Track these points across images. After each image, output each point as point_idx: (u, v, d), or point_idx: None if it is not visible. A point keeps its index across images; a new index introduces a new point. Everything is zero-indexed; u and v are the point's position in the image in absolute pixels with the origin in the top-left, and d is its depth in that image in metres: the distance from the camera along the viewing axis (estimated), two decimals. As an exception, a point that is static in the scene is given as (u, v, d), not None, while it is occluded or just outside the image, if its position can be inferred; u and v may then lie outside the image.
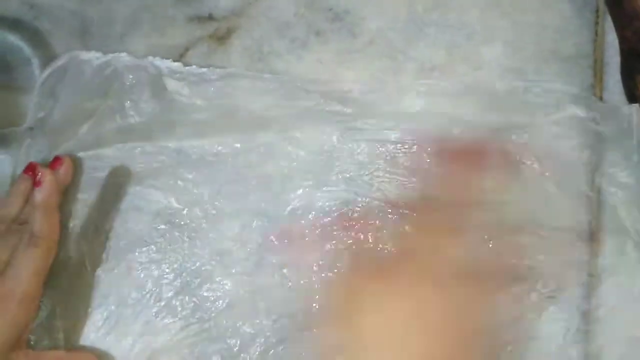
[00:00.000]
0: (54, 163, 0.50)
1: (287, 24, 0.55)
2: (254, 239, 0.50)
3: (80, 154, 0.53)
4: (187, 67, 0.54)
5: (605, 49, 0.53)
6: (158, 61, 0.54)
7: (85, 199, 0.52)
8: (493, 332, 0.47)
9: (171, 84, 0.54)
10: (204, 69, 0.54)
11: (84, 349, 0.49)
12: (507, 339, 0.47)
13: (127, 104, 0.53)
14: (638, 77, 0.48)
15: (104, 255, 0.51)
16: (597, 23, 0.53)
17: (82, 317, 0.50)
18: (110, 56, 0.54)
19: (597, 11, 0.53)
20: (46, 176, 0.46)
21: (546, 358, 0.46)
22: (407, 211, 0.49)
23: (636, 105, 0.50)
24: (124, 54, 0.54)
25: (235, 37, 0.55)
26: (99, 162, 0.52)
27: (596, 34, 0.53)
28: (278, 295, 0.49)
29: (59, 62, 0.54)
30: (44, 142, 0.53)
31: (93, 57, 0.54)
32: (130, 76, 0.53)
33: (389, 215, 0.50)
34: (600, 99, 0.52)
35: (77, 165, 0.52)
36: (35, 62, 0.55)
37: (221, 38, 0.56)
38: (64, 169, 0.50)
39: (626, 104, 0.51)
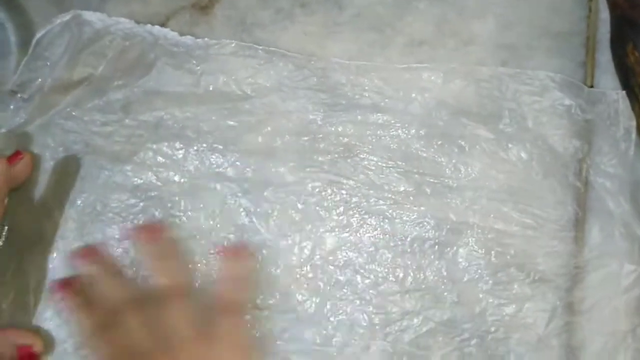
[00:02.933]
0: (13, 157, 0.42)
1: (272, -7, 0.46)
2: (234, 218, 0.42)
3: (60, 122, 0.45)
4: (182, 37, 0.46)
5: (598, 26, 0.46)
6: (156, 29, 0.47)
7: (62, 173, 0.44)
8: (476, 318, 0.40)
9: (162, 54, 0.46)
10: (199, 40, 0.46)
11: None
12: (490, 325, 0.40)
13: (116, 74, 0.46)
14: (629, 46, 0.42)
15: (78, 231, 0.43)
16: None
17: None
18: (111, 20, 0.45)
19: (590, -13, 0.47)
20: None
21: (528, 346, 0.41)
22: (391, 195, 0.42)
23: (623, 91, 0.43)
24: (123, 19, 0.47)
25: (219, 7, 0.47)
26: (77, 134, 0.44)
27: (590, 10, 0.46)
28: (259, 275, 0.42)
29: (59, 20, 0.47)
30: (26, 108, 0.45)
31: (96, 18, 0.47)
32: (126, 43, 0.46)
33: (372, 199, 0.42)
34: (592, 76, 0.45)
35: (37, 161, 0.45)
36: (10, 27, 0.46)
37: (204, 8, 0.47)
38: (21, 165, 0.43)
39: (616, 85, 0.44)
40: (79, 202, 0.44)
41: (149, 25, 0.46)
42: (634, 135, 0.42)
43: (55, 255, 0.43)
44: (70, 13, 0.46)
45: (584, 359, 0.40)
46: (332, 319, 0.42)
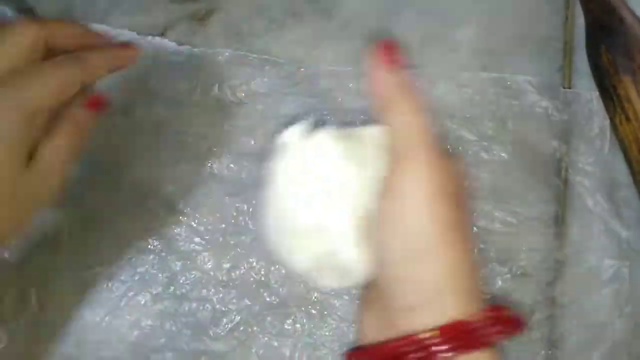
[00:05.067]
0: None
1: (266, 5, 0.47)
2: (229, 217, 0.43)
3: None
4: (181, 47, 0.46)
5: (575, 32, 0.46)
6: (156, 40, 0.47)
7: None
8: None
9: (161, 62, 0.46)
10: (196, 49, 0.47)
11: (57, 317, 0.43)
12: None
13: (115, 80, 0.45)
14: (602, 48, 0.42)
15: (82, 228, 0.44)
16: (567, 7, 0.47)
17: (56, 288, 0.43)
18: (114, 32, 0.46)
19: (567, -4, 0.47)
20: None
21: (510, 340, 0.40)
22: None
23: (596, 92, 0.44)
24: (126, 31, 0.47)
25: (215, 18, 0.48)
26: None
27: (566, 17, 0.46)
28: (250, 274, 0.42)
29: None
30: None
31: (100, 29, 0.46)
32: None
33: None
34: (569, 80, 0.45)
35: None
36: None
37: (201, 18, 0.48)
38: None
39: (593, 88, 0.44)
40: (79, 202, 0.45)
41: (149, 37, 0.47)
42: (608, 133, 0.42)
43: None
44: None
45: (565, 351, 0.40)
46: (323, 313, 0.42)
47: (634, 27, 0.41)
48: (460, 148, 0.43)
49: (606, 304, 0.40)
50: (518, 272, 0.41)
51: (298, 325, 0.42)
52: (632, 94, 0.40)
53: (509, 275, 0.41)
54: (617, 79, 0.40)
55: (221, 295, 0.43)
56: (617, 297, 0.40)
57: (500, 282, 0.41)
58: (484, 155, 0.43)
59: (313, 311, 0.42)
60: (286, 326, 0.42)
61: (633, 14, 0.42)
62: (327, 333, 0.42)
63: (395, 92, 0.33)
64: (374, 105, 0.34)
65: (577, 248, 0.42)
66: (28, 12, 0.48)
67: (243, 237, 0.43)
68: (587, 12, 0.43)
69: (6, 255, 0.42)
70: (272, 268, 0.43)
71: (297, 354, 0.41)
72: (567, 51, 0.45)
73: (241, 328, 0.42)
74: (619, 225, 0.41)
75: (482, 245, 0.42)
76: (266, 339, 0.42)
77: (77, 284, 0.43)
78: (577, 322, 0.40)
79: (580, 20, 0.45)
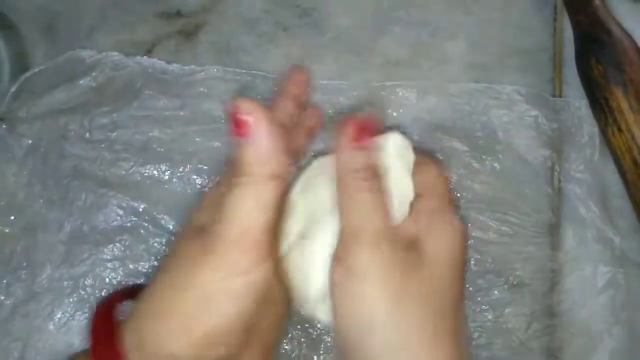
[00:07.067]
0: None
1: (255, 19, 0.48)
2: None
3: (48, 148, 0.46)
4: (169, 65, 0.46)
5: (564, 44, 0.47)
6: (144, 60, 0.47)
7: (48, 196, 0.45)
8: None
9: (149, 81, 0.47)
10: (186, 67, 0.47)
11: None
12: (473, 332, 0.41)
13: (103, 101, 0.46)
14: (592, 60, 0.43)
15: (66, 253, 0.44)
16: (555, 19, 0.48)
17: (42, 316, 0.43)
18: (101, 55, 0.46)
19: (555, 8, 0.48)
20: None
21: (510, 351, 0.41)
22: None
23: (584, 100, 0.45)
24: (113, 53, 0.47)
25: (203, 33, 0.48)
26: (64, 159, 0.45)
27: (555, 29, 0.47)
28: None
29: (56, 60, 0.47)
30: (13, 134, 0.46)
31: (86, 55, 0.47)
32: (115, 73, 0.47)
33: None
34: (560, 91, 0.46)
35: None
36: (5, 56, 0.47)
37: (189, 34, 0.48)
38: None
39: (582, 97, 0.45)
40: (66, 225, 0.44)
41: (137, 57, 0.47)
42: (597, 141, 0.43)
43: (44, 277, 0.44)
44: (64, 56, 0.47)
45: (564, 360, 0.41)
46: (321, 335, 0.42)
47: (622, 40, 0.42)
48: (452, 159, 0.44)
49: (602, 311, 0.41)
50: (515, 282, 0.42)
51: (295, 343, 0.42)
52: (624, 105, 0.41)
53: (505, 286, 0.42)
54: (609, 91, 0.41)
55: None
56: (613, 304, 0.41)
57: (497, 293, 0.42)
58: (476, 165, 0.44)
59: (311, 330, 0.42)
60: (284, 345, 0.42)
61: (620, 27, 0.43)
62: (323, 353, 0.42)
63: (355, 176, 0.33)
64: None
65: (571, 256, 0.42)
66: (8, 29, 0.48)
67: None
68: (576, 24, 0.45)
69: None
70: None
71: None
72: (557, 63, 0.46)
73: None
74: (612, 231, 0.42)
75: (477, 256, 0.42)
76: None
77: (66, 305, 0.43)
78: (575, 331, 0.41)
79: (569, 32, 0.46)
